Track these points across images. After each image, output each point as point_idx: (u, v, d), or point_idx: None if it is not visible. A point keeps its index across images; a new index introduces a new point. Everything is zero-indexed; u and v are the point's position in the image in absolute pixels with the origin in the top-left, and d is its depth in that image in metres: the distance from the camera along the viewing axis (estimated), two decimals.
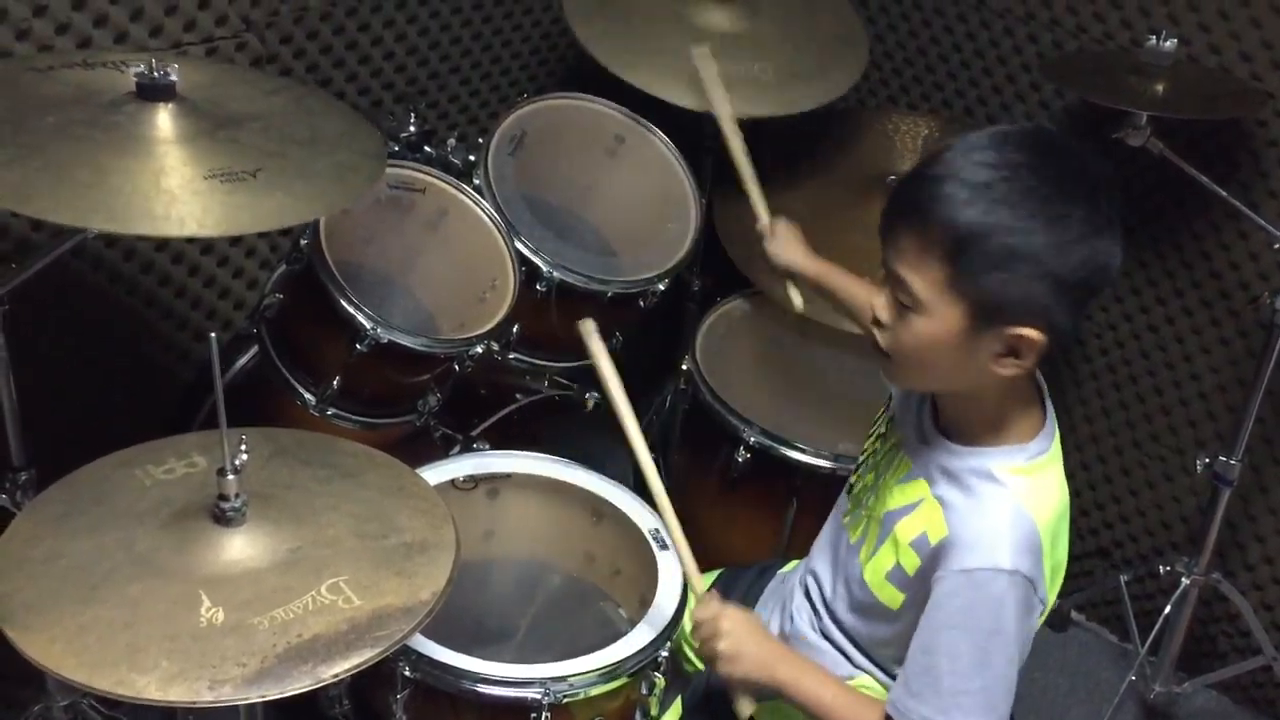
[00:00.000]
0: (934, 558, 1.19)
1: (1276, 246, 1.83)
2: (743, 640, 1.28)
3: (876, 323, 1.19)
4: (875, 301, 1.18)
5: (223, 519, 1.13)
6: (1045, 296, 1.09)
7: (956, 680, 1.15)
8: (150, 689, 0.97)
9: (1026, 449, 1.19)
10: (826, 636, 1.37)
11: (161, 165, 1.27)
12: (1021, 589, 1.15)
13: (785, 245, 1.78)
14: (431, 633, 1.38)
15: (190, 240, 1.89)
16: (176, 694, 0.97)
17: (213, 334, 1.06)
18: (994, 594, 1.14)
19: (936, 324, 1.13)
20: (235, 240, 1.96)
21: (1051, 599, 1.21)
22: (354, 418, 1.73)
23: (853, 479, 1.39)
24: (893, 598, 1.26)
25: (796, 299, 1.82)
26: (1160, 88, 1.83)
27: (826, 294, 1.71)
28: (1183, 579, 2.04)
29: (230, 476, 1.11)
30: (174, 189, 1.24)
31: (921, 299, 1.12)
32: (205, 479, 1.19)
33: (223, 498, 1.12)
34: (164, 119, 1.33)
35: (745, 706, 1.30)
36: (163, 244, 1.87)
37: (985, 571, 1.14)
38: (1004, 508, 1.17)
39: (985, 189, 1.08)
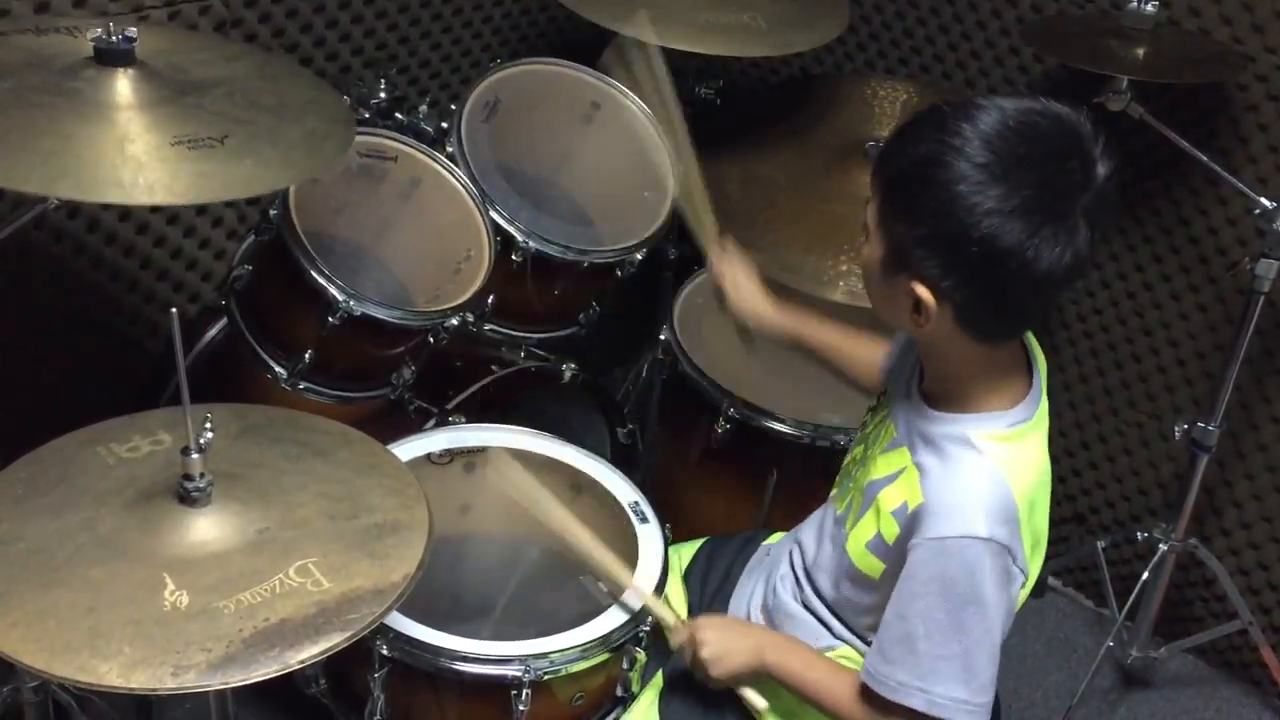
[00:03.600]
0: (910, 525, 1.18)
1: (1256, 212, 1.82)
2: (723, 639, 1.30)
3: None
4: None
5: (187, 499, 1.10)
6: (933, 257, 1.10)
7: (932, 645, 1.15)
8: (112, 676, 0.95)
9: (1007, 415, 1.19)
10: (808, 607, 1.36)
11: (125, 132, 1.24)
12: (997, 557, 1.14)
13: (745, 294, 1.53)
14: (409, 609, 1.36)
15: (155, 210, 1.85)
16: (139, 681, 0.95)
17: (173, 309, 1.03)
18: (968, 562, 1.14)
19: (870, 252, 1.17)
20: (201, 210, 1.92)
21: (1034, 569, 1.20)
22: (327, 392, 1.71)
23: (846, 458, 1.38)
24: (873, 567, 1.25)
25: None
26: (1141, 52, 1.81)
27: (792, 341, 1.53)
28: (1160, 545, 2.04)
29: (194, 455, 1.09)
30: (140, 156, 1.22)
31: (869, 225, 1.17)
32: (170, 458, 1.16)
33: (187, 477, 1.10)
34: (124, 85, 1.30)
35: (757, 699, 1.32)
36: (126, 214, 1.83)
37: (959, 540, 1.14)
38: (980, 475, 1.16)
39: (939, 144, 1.09)
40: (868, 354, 1.48)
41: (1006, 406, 1.19)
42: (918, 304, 1.13)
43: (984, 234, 1.07)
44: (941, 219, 1.08)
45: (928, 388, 1.25)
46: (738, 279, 1.55)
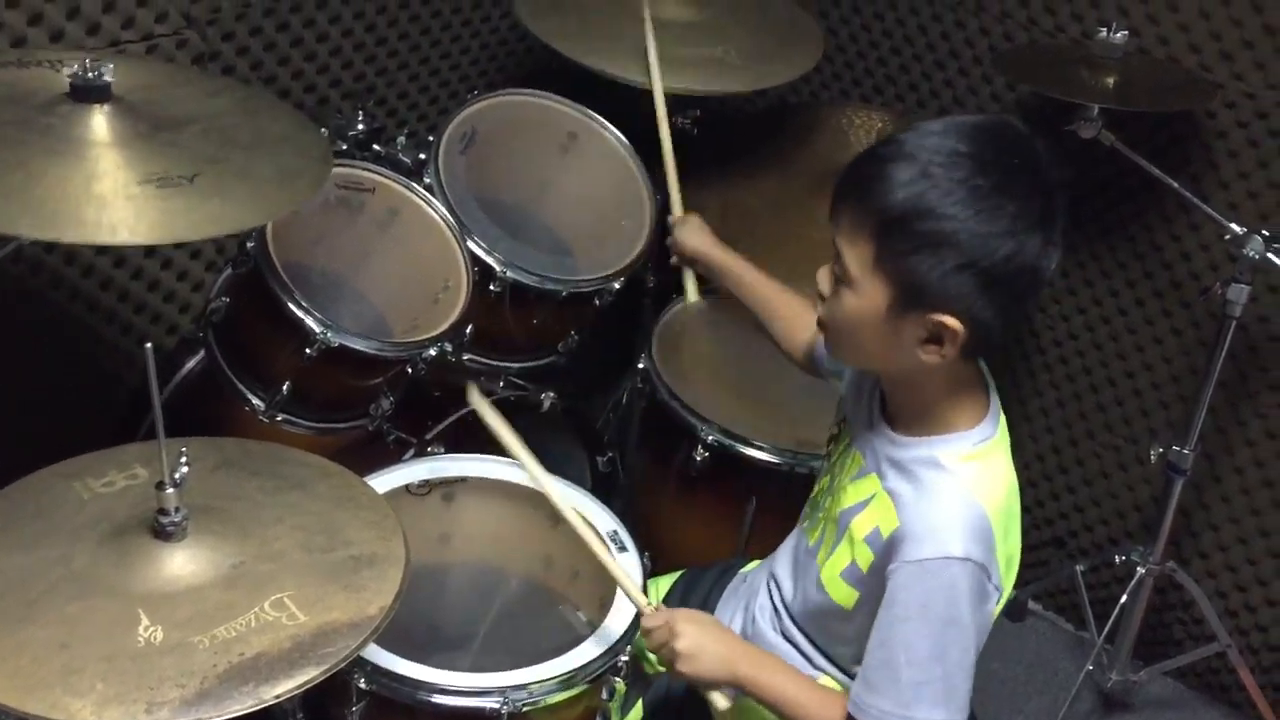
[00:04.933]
0: (887, 551, 1.19)
1: (1226, 237, 1.84)
2: (701, 636, 1.28)
3: (820, 295, 1.22)
4: (819, 273, 1.22)
5: (162, 534, 1.10)
6: (966, 286, 1.11)
7: (915, 672, 1.15)
8: (85, 713, 0.94)
9: (971, 435, 1.20)
10: (787, 637, 1.36)
11: (94, 170, 1.24)
12: (974, 576, 1.15)
13: (691, 233, 1.81)
14: (387, 641, 1.35)
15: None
16: (112, 717, 0.94)
17: (148, 345, 1.03)
18: (946, 583, 1.15)
19: (863, 301, 1.15)
20: (179, 243, 1.92)
21: (1008, 586, 1.21)
22: (305, 423, 1.70)
23: (815, 488, 1.39)
24: (847, 596, 1.25)
25: (692, 291, 1.89)
26: (1111, 80, 1.84)
27: (733, 285, 1.74)
28: (1138, 568, 2.05)
29: (169, 490, 1.08)
30: (105, 194, 1.21)
31: (852, 274, 1.15)
32: (146, 492, 1.16)
33: (162, 512, 1.09)
34: (99, 121, 1.29)
35: (721, 700, 1.29)
36: (104, 247, 1.82)
37: (937, 561, 1.15)
38: (953, 496, 1.17)
39: (921, 173, 1.10)
40: (799, 323, 1.54)
41: (970, 425, 1.21)
42: (936, 337, 1.14)
43: (1010, 252, 1.10)
44: (968, 247, 1.09)
45: (893, 414, 1.26)
46: (690, 220, 1.82)
